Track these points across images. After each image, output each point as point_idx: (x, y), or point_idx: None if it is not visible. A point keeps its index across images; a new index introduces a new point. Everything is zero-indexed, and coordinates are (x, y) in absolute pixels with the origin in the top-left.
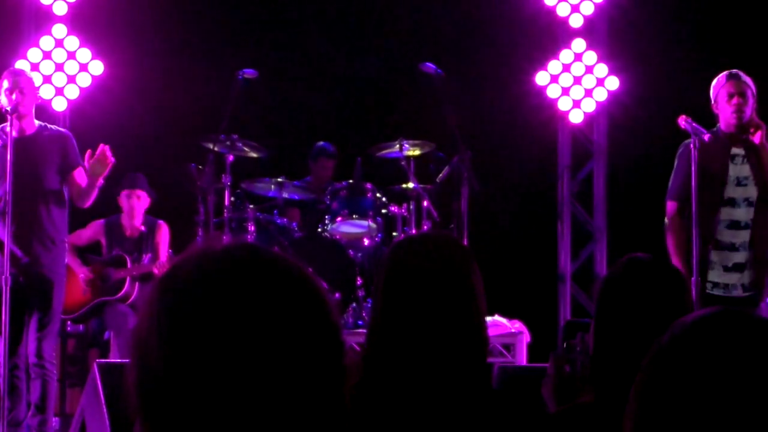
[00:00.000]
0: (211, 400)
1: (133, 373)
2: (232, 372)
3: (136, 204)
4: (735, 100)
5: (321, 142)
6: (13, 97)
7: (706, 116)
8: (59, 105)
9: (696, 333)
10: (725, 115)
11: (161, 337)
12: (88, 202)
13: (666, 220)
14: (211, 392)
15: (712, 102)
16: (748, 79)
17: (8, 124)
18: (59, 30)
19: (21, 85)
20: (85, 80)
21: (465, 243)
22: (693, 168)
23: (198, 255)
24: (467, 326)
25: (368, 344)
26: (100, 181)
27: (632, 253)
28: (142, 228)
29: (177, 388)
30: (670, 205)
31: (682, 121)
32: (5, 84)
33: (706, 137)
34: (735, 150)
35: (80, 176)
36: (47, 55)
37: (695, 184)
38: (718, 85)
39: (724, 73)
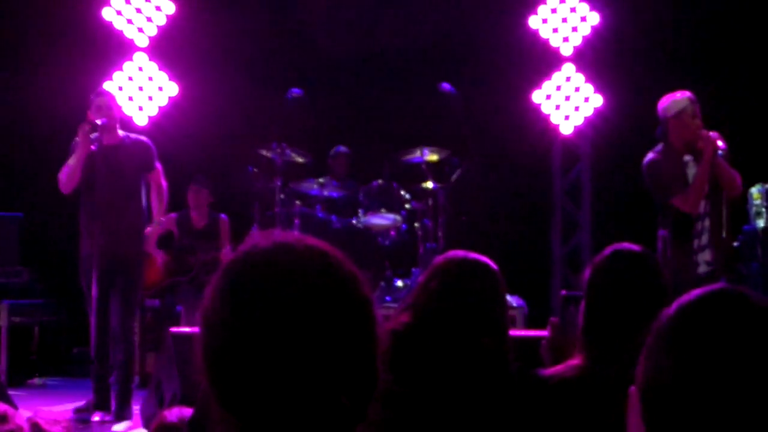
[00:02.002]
0: (264, 365)
1: (201, 342)
2: (282, 340)
3: (199, 197)
4: (693, 118)
5: (338, 146)
6: (101, 112)
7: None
8: (140, 120)
9: (700, 308)
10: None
11: (225, 312)
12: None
13: (683, 206)
14: (265, 358)
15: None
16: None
17: (98, 134)
18: (140, 57)
19: (107, 103)
20: (162, 99)
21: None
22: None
23: (253, 246)
24: (494, 335)
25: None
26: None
27: (616, 244)
28: (207, 220)
29: (236, 355)
30: (678, 197)
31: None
32: (94, 103)
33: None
34: (686, 158)
35: (157, 176)
36: (130, 78)
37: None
38: (680, 103)
39: (687, 94)
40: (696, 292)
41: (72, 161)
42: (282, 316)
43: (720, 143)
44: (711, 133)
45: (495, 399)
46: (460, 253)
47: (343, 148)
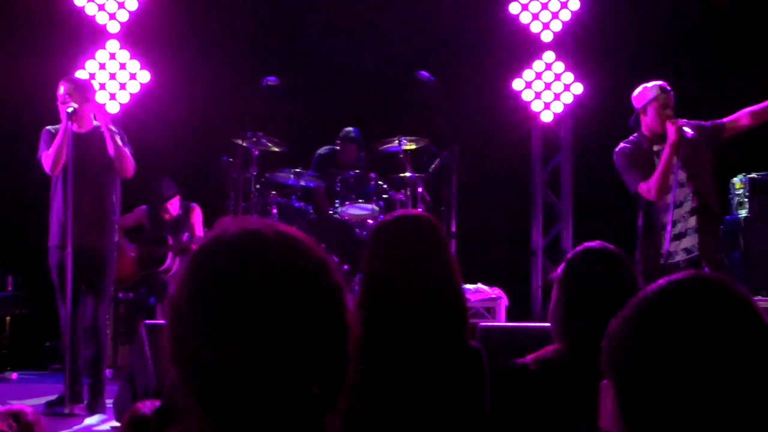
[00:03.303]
0: (230, 352)
1: (168, 330)
2: (248, 327)
3: (173, 204)
4: (666, 110)
5: (347, 128)
6: (72, 98)
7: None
8: (112, 108)
9: (671, 294)
10: (657, 120)
11: (191, 299)
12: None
13: (648, 195)
14: (231, 346)
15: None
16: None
17: (67, 123)
18: (113, 45)
19: (77, 88)
20: (134, 87)
21: (451, 222)
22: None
23: (221, 232)
24: (436, 289)
25: (359, 300)
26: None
27: (587, 243)
28: (179, 211)
29: (202, 342)
30: (643, 186)
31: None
32: (61, 89)
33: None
34: (656, 147)
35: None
36: (102, 66)
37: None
38: (651, 92)
39: (660, 83)
40: (666, 280)
41: (55, 144)
42: (248, 302)
43: (688, 130)
44: (679, 121)
45: (453, 370)
46: (395, 212)
47: (353, 131)
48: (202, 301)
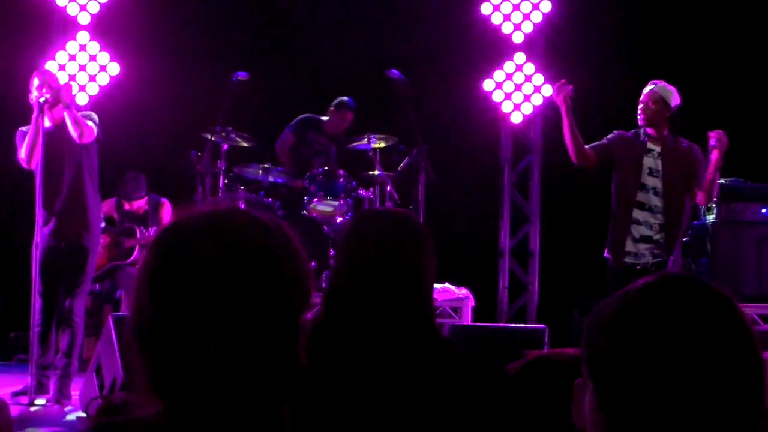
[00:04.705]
0: (186, 334)
1: (131, 314)
2: (204, 311)
3: (139, 206)
4: (639, 105)
5: (345, 97)
6: (44, 91)
7: (623, 118)
8: (81, 100)
9: (645, 298)
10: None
11: (150, 283)
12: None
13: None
14: (187, 328)
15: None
16: (654, 88)
17: (39, 115)
18: (83, 36)
19: (48, 80)
20: (103, 79)
21: (421, 221)
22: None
23: (182, 217)
24: (416, 285)
25: (328, 293)
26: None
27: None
28: (146, 207)
29: (162, 325)
30: (589, 149)
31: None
32: (35, 82)
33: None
34: (651, 145)
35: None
36: (72, 58)
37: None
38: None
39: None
40: (645, 279)
41: (29, 137)
42: (202, 287)
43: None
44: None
45: (422, 365)
46: (375, 209)
47: (351, 101)
48: (160, 282)
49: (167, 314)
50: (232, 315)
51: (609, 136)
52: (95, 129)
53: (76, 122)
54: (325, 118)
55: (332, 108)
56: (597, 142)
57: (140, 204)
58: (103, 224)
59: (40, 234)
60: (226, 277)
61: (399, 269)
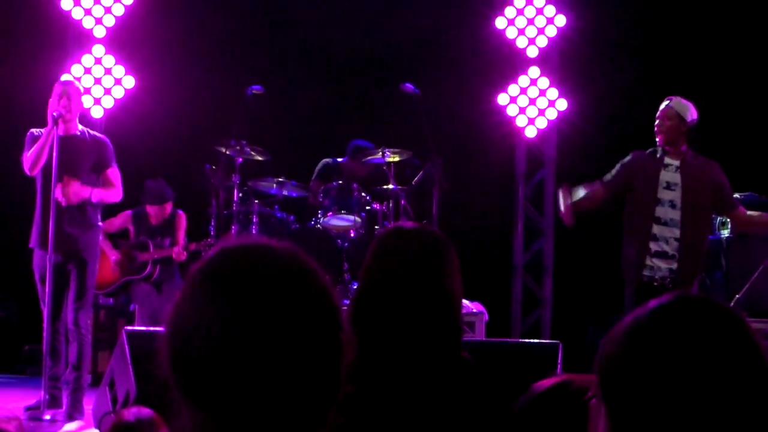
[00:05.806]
0: (241, 371)
1: (171, 346)
2: (262, 347)
3: (164, 209)
4: (656, 121)
5: (360, 141)
6: (62, 101)
7: (640, 133)
8: (97, 113)
9: (656, 322)
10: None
11: (206, 318)
12: (117, 198)
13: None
14: (244, 365)
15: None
16: (669, 104)
17: (54, 125)
18: (98, 50)
19: (70, 92)
20: (118, 92)
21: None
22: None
23: (229, 250)
24: (442, 303)
25: (352, 314)
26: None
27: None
28: (166, 216)
29: (220, 364)
30: (598, 185)
31: None
32: (59, 90)
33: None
34: (668, 160)
35: (113, 175)
36: (87, 71)
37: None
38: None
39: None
40: (657, 301)
41: (37, 145)
42: (259, 324)
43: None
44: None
45: (444, 387)
46: (398, 226)
47: (369, 144)
48: (221, 319)
49: (214, 333)
50: (275, 341)
51: (624, 160)
52: (118, 185)
53: (105, 201)
54: (341, 160)
55: (349, 155)
56: (609, 177)
57: (170, 208)
58: (106, 234)
59: (42, 242)
60: (275, 303)
61: (430, 289)
